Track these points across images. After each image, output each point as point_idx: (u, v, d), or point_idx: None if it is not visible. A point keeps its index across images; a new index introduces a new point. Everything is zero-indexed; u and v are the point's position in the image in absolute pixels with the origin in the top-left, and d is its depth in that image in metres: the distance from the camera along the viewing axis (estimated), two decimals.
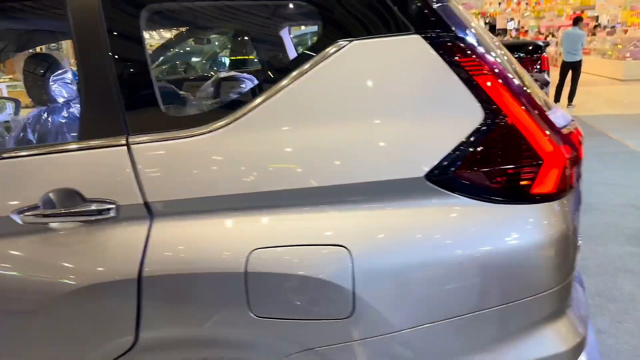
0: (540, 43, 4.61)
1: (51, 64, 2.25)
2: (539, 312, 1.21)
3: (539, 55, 4.45)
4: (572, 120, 1.52)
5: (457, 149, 1.16)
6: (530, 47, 4.58)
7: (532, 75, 2.02)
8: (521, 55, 4.52)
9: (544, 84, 1.73)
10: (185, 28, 2.98)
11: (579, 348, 1.26)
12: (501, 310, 1.19)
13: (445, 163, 1.16)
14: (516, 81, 1.25)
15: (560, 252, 1.21)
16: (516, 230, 1.18)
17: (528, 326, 1.21)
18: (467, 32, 1.31)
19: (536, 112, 1.20)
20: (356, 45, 1.21)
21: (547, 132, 1.19)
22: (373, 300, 1.17)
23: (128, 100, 1.29)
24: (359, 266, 1.16)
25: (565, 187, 1.21)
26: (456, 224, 1.17)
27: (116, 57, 1.30)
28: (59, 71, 2.30)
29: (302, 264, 1.18)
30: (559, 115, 1.45)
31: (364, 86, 1.21)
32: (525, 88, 1.27)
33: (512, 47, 4.60)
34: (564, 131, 1.28)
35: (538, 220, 1.18)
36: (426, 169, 1.16)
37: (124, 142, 1.26)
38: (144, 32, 1.33)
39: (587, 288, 3.15)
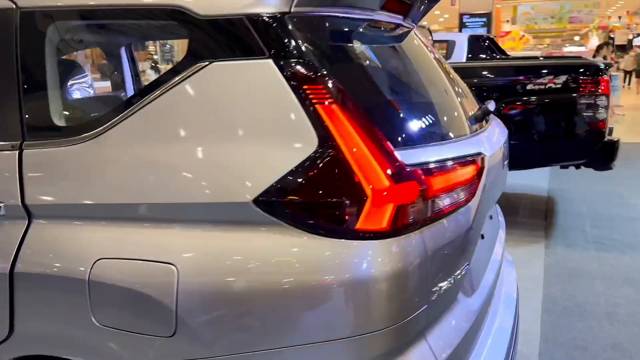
0: (600, 64, 4.16)
1: (72, 69, 2.46)
2: (363, 352, 1.14)
3: (598, 77, 4.02)
4: (477, 154, 1.41)
5: (285, 177, 1.13)
6: (589, 69, 4.14)
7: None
8: (580, 77, 4.09)
9: (485, 113, 1.52)
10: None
11: None
12: (320, 347, 1.13)
13: (272, 190, 1.13)
14: (369, 115, 1.19)
15: (392, 291, 1.13)
16: (340, 265, 1.12)
17: None
18: (333, 59, 1.28)
19: (377, 146, 1.13)
20: (215, 67, 1.22)
21: (383, 168, 1.12)
22: (193, 322, 1.17)
23: (28, 108, 1.40)
24: (184, 286, 1.17)
25: (403, 225, 1.13)
26: (279, 253, 1.14)
27: (23, 68, 1.42)
28: (78, 76, 2.51)
29: (135, 278, 1.21)
30: (457, 146, 1.37)
31: (212, 108, 1.22)
32: (380, 121, 1.21)
33: (565, 69, 4.19)
34: (421, 168, 1.20)
35: (365, 257, 1.12)
36: (254, 194, 1.14)
37: (17, 146, 1.38)
38: (49, 46, 1.44)
39: (604, 337, 2.84)
